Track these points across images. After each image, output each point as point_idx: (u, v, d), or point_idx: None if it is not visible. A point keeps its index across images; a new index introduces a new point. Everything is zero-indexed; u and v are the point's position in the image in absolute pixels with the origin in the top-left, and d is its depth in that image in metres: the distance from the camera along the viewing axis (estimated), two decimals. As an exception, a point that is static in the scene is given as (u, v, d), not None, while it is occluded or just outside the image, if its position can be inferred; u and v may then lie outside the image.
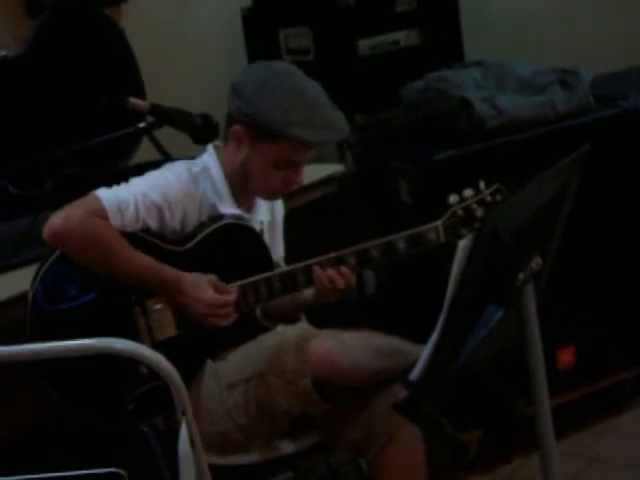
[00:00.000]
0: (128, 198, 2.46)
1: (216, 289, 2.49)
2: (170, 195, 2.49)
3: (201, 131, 2.66)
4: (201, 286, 2.48)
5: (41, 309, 2.48)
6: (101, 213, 2.43)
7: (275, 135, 2.48)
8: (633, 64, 3.86)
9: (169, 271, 2.47)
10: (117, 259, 2.44)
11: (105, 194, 2.46)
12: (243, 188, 2.60)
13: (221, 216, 2.58)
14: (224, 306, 2.49)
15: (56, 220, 2.42)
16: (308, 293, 2.65)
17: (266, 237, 2.69)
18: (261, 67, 2.58)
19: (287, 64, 2.62)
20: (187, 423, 1.92)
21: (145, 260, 2.45)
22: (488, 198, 2.60)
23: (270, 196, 2.68)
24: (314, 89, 2.54)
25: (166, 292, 2.49)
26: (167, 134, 2.79)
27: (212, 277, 2.50)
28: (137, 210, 2.46)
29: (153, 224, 2.49)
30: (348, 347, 2.47)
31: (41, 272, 2.48)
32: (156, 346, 2.47)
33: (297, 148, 2.51)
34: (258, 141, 2.51)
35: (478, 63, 3.58)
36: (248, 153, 2.54)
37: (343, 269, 2.54)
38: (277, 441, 2.59)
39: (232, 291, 2.51)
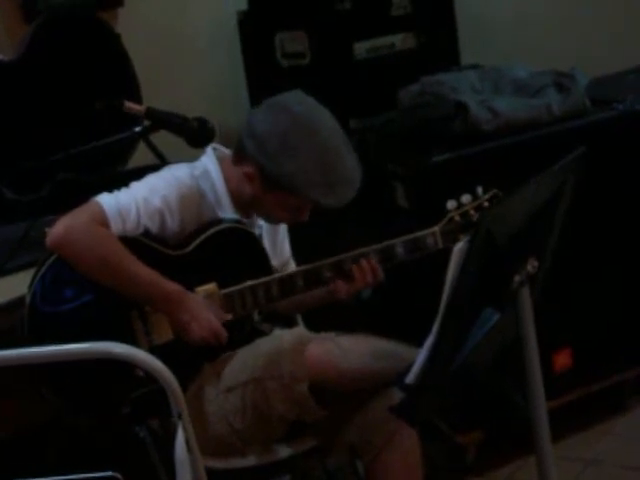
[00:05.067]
0: (129, 204, 2.46)
1: (218, 316, 2.49)
2: (171, 199, 2.49)
3: (197, 135, 2.66)
4: (205, 310, 2.47)
5: (39, 311, 2.48)
6: (103, 220, 2.43)
7: (294, 194, 2.50)
8: (629, 67, 3.87)
9: (173, 285, 2.46)
10: (118, 270, 2.43)
11: (107, 200, 2.46)
12: (245, 205, 2.61)
13: (220, 220, 2.58)
14: (219, 337, 2.49)
15: (58, 228, 2.42)
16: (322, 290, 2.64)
17: (265, 241, 2.69)
18: (282, 115, 2.50)
19: (304, 105, 2.54)
20: (183, 426, 1.92)
21: (148, 273, 2.44)
22: (485, 204, 2.60)
23: (274, 224, 2.71)
24: (332, 136, 2.51)
25: (167, 306, 2.47)
26: (163, 138, 2.79)
27: (212, 304, 2.50)
28: (138, 216, 2.46)
29: (154, 228, 2.49)
30: (345, 350, 2.48)
31: (39, 274, 2.48)
32: (154, 350, 2.47)
33: (311, 204, 2.54)
34: (273, 189, 2.52)
35: (474, 66, 3.58)
36: (259, 193, 2.55)
37: (372, 263, 2.56)
38: (274, 445, 2.59)
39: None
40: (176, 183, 2.52)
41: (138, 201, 2.46)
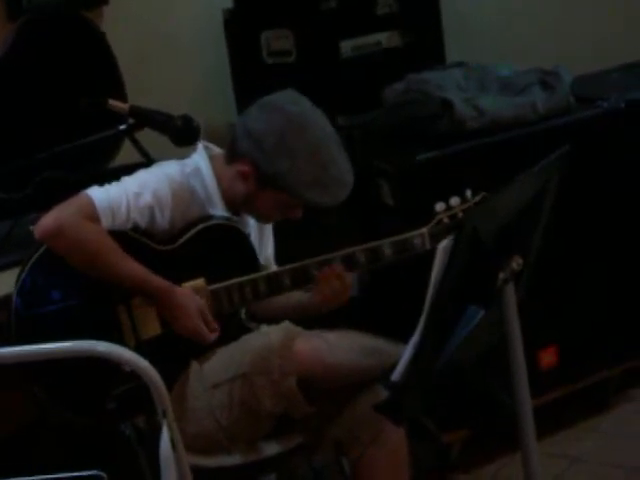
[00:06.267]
0: (120, 198, 2.46)
1: (202, 316, 2.50)
2: (161, 195, 2.50)
3: (181, 133, 2.65)
4: (187, 309, 2.48)
5: (22, 315, 2.47)
6: (92, 214, 2.44)
7: (288, 192, 2.51)
8: (613, 65, 3.88)
9: (160, 282, 2.47)
10: (107, 265, 2.44)
11: (97, 194, 2.47)
12: (236, 204, 2.61)
13: (210, 216, 2.58)
14: (203, 338, 2.50)
15: (47, 220, 2.42)
16: (304, 296, 2.65)
17: (253, 239, 2.69)
18: (277, 114, 2.52)
19: (298, 105, 2.55)
20: (168, 425, 1.92)
21: (136, 268, 2.45)
22: (474, 207, 2.61)
23: (264, 222, 2.71)
24: (325, 137, 2.53)
25: (156, 301, 2.49)
26: (150, 137, 2.79)
27: (201, 304, 2.50)
28: (128, 211, 2.46)
29: (143, 223, 2.49)
30: (332, 346, 2.49)
31: (22, 275, 2.48)
32: (141, 345, 2.48)
33: (305, 203, 2.55)
34: (267, 187, 2.53)
35: (459, 64, 3.59)
36: (253, 191, 2.56)
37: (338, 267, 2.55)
38: (260, 443, 2.59)
39: (213, 330, 2.51)
40: (166, 180, 2.52)
41: (129, 196, 2.47)
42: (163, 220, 2.51)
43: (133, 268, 2.45)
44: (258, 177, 2.53)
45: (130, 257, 2.45)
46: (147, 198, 2.48)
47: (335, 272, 2.55)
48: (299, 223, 2.64)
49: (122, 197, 2.46)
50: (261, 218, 2.67)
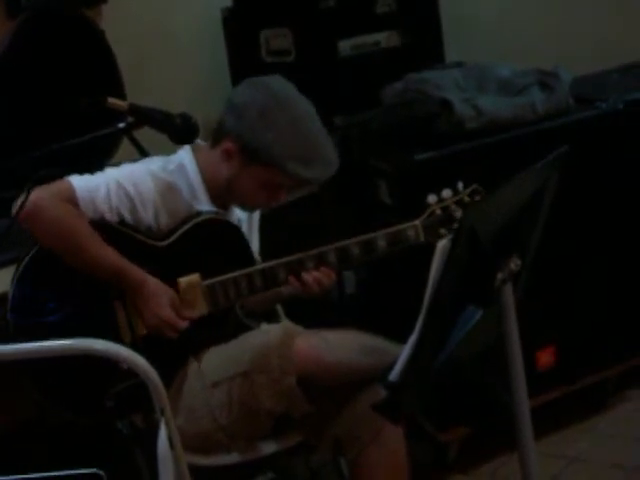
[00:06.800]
0: (99, 185, 2.47)
1: (173, 306, 2.49)
2: (143, 190, 2.50)
3: (180, 131, 2.65)
4: (160, 298, 2.48)
5: (19, 324, 2.47)
6: (72, 198, 2.45)
7: (272, 166, 2.51)
8: (612, 66, 3.88)
9: (134, 271, 2.47)
10: (82, 249, 2.44)
11: (77, 180, 2.48)
12: (222, 192, 2.61)
13: (199, 213, 2.58)
14: (172, 328, 2.50)
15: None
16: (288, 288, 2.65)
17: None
18: (262, 89, 2.55)
19: (284, 85, 2.59)
20: (166, 423, 1.92)
21: (111, 255, 2.45)
22: (466, 199, 2.62)
23: (250, 210, 2.71)
24: (309, 117, 2.55)
25: (126, 290, 2.49)
26: (148, 135, 2.79)
27: (173, 294, 2.50)
28: (109, 197, 2.47)
29: (127, 215, 2.49)
30: (332, 345, 2.50)
31: (10, 293, 2.47)
32: (137, 341, 2.47)
33: (289, 179, 2.54)
34: (251, 163, 2.54)
35: (458, 64, 3.59)
36: (237, 171, 2.56)
37: (324, 269, 2.55)
38: (259, 441, 2.59)
39: (185, 318, 2.51)
40: (149, 175, 2.53)
41: (109, 184, 2.48)
42: (147, 215, 2.51)
43: (109, 255, 2.45)
44: (241, 152, 2.53)
45: (107, 245, 2.45)
46: (128, 188, 2.49)
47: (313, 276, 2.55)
48: (296, 223, 2.63)
49: (102, 184, 2.48)
50: (246, 203, 2.66)
